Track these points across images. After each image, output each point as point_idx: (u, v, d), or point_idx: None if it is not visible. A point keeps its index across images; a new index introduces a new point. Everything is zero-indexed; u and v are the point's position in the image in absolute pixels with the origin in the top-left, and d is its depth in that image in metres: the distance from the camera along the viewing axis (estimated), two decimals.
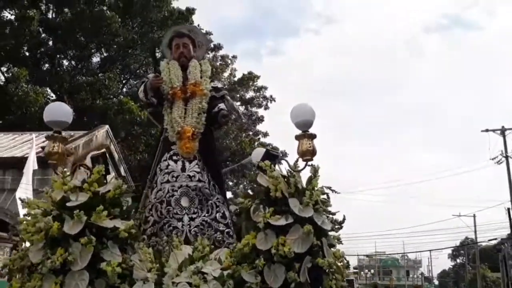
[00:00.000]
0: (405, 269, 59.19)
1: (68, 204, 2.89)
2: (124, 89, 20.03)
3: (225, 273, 2.88)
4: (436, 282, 66.47)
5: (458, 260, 62.69)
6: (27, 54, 18.64)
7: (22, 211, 3.73)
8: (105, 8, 18.69)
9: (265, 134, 21.47)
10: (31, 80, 17.20)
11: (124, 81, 20.57)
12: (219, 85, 4.26)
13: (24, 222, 2.91)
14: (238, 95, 20.88)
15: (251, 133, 21.46)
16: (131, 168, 15.25)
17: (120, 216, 3.01)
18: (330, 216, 3.16)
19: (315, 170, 3.17)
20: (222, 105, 3.91)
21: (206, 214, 3.63)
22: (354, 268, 55.89)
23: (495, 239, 27.74)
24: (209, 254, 3.03)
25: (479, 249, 41.29)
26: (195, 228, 3.54)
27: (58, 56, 19.49)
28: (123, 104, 16.50)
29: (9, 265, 2.87)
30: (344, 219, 3.22)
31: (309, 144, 3.21)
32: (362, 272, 56.51)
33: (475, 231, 37.70)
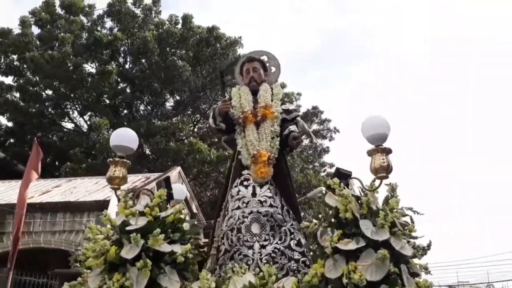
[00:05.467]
0: None
1: (127, 228, 2.70)
2: (195, 130, 20.37)
3: None
4: None
5: None
6: (107, 102, 19.57)
7: None
8: (176, 58, 19.39)
9: (331, 165, 20.82)
10: (111, 126, 17.94)
11: (195, 123, 20.95)
12: (291, 107, 3.99)
13: (84, 247, 2.73)
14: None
15: (317, 164, 20.86)
16: (203, 204, 15.24)
17: (180, 241, 2.77)
18: (412, 241, 2.72)
19: (392, 189, 2.76)
20: (293, 127, 3.66)
21: (279, 242, 3.29)
22: None
23: None
24: (274, 282, 2.68)
25: None
26: (266, 256, 3.21)
27: (135, 102, 20.30)
28: (193, 145, 16.76)
29: None
30: (430, 244, 2.75)
31: (383, 159, 2.79)
32: None
33: None
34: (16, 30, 18.91)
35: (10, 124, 19.55)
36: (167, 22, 20.21)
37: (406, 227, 2.71)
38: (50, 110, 19.68)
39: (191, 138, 18.42)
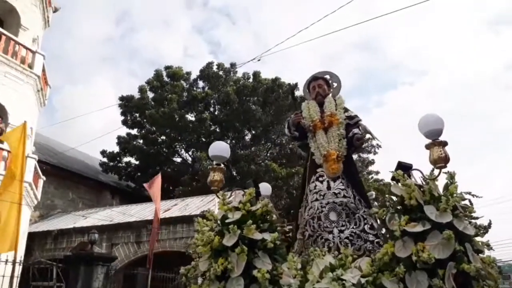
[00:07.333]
0: None
1: (226, 221, 2.52)
2: (268, 155, 20.19)
3: (366, 280, 2.17)
4: None
5: None
6: (204, 140, 20.02)
7: None
8: (250, 104, 19.59)
9: (377, 173, 19.64)
10: (208, 158, 18.31)
11: (268, 149, 20.78)
12: (353, 114, 3.67)
13: (195, 237, 2.59)
14: None
15: (365, 173, 19.74)
16: (278, 210, 14.85)
17: (269, 230, 2.54)
18: (473, 221, 2.30)
19: (451, 177, 2.37)
20: (356, 130, 3.36)
21: (355, 226, 2.99)
22: None
23: None
24: (351, 262, 2.35)
25: None
26: (345, 239, 2.92)
27: (224, 139, 20.64)
28: (268, 166, 16.64)
29: (185, 274, 2.53)
30: (490, 223, 2.31)
31: (441, 151, 2.42)
32: None
33: None
34: (137, 95, 20.09)
35: (137, 162, 20.53)
36: (242, 79, 20.55)
37: (466, 210, 2.30)
38: (164, 150, 20.46)
39: (266, 161, 18.29)
